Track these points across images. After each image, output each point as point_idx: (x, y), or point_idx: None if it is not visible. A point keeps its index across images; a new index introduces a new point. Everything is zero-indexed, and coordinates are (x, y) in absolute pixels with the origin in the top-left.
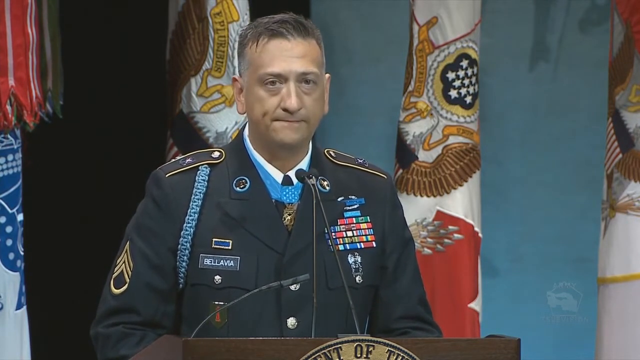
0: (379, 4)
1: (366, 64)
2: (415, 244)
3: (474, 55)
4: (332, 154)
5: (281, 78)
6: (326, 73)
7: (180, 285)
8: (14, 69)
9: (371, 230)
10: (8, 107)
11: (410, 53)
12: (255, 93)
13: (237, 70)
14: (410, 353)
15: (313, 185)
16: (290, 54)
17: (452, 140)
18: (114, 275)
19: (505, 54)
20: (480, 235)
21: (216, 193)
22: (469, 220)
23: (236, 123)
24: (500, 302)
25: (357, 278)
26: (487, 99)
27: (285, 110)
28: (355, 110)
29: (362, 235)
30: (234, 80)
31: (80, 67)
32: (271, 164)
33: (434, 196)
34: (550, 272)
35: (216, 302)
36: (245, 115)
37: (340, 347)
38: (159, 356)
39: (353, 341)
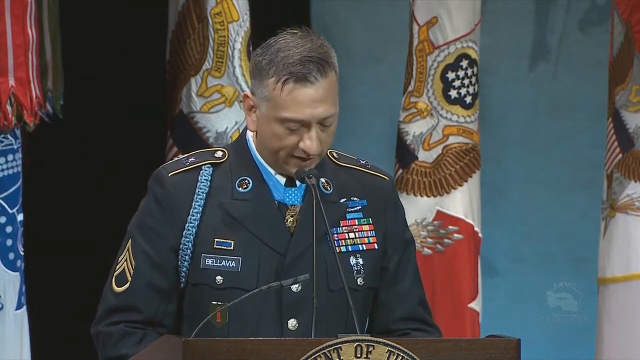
0: (379, 4)
1: (366, 64)
2: (415, 244)
3: (474, 55)
4: (335, 155)
5: (303, 123)
6: None
7: (182, 285)
8: (14, 69)
9: (373, 232)
10: (8, 107)
11: (410, 53)
12: (273, 128)
13: (238, 69)
14: (410, 353)
15: (313, 185)
16: (313, 100)
17: (452, 140)
18: (115, 274)
19: (505, 54)
20: (480, 235)
21: (219, 193)
22: (469, 220)
23: (236, 123)
24: (500, 302)
25: (359, 280)
26: (487, 99)
27: (304, 151)
28: (355, 110)
29: (364, 237)
30: (246, 96)
31: (80, 67)
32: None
33: (434, 196)
34: (550, 272)
35: (217, 302)
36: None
37: (340, 347)
38: (159, 356)
39: (353, 341)
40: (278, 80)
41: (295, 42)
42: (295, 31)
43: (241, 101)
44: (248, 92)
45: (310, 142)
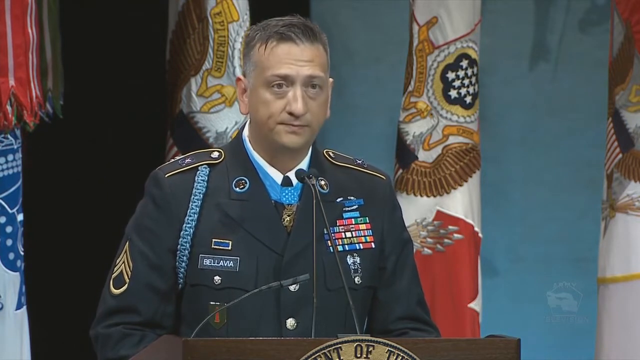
0: (379, 4)
1: (366, 64)
2: (415, 244)
3: (474, 55)
4: (331, 155)
5: (288, 81)
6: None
7: (180, 286)
8: (14, 69)
9: (370, 231)
10: (8, 107)
11: (410, 53)
12: (260, 95)
13: (238, 69)
14: (410, 353)
15: (313, 185)
16: (298, 58)
17: (452, 140)
18: (113, 276)
19: (505, 54)
20: (480, 235)
21: (216, 193)
22: (469, 220)
23: (236, 123)
24: (500, 302)
25: (356, 279)
26: (487, 99)
27: (290, 113)
28: (355, 110)
29: (361, 236)
30: (238, 80)
31: (80, 67)
32: (271, 165)
33: (434, 196)
34: (550, 272)
35: (215, 303)
36: (245, 115)
37: (340, 347)
38: (159, 356)
39: (353, 341)
40: (263, 42)
41: (283, 18)
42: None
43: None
44: (240, 74)
45: (295, 103)
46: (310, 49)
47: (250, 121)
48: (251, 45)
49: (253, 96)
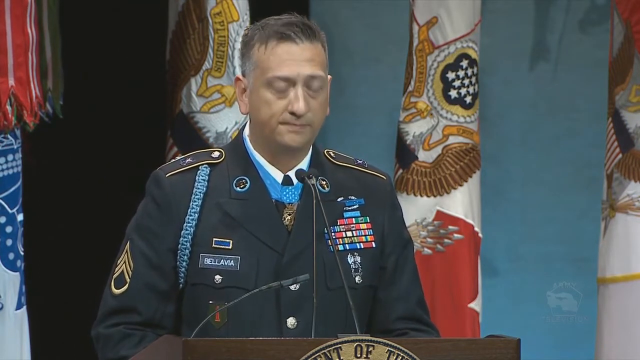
0: (379, 4)
1: (366, 64)
2: (415, 244)
3: (474, 55)
4: (332, 155)
5: (289, 81)
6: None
7: (181, 285)
8: (14, 69)
9: (371, 230)
10: (8, 107)
11: (410, 53)
12: (261, 95)
13: (238, 69)
14: (410, 353)
15: (313, 185)
16: (298, 58)
17: (452, 140)
18: (114, 276)
19: (505, 54)
20: (480, 235)
21: (216, 193)
22: (469, 220)
23: (236, 123)
24: (500, 302)
25: (357, 278)
26: (487, 99)
27: (292, 113)
28: (355, 110)
29: (362, 235)
30: (237, 79)
31: (80, 67)
32: (271, 164)
33: (434, 196)
34: (550, 272)
35: (216, 302)
36: (245, 115)
37: (340, 347)
38: (159, 356)
39: (353, 341)
40: (263, 42)
41: (281, 17)
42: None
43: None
44: (239, 74)
45: (297, 103)
46: (309, 47)
47: (250, 121)
48: (250, 44)
49: (254, 96)
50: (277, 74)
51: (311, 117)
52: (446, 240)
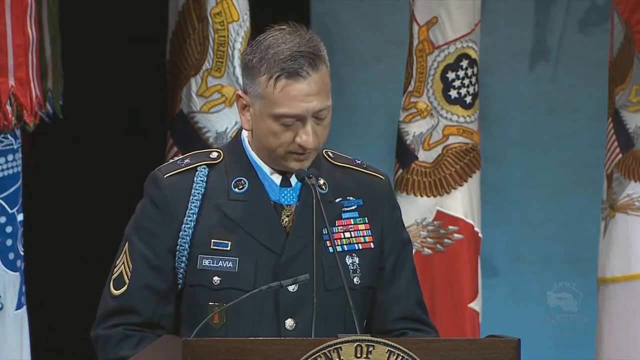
0: (379, 4)
1: (366, 64)
2: (415, 244)
3: (474, 55)
4: (330, 155)
5: (298, 117)
6: None
7: (179, 286)
8: (14, 69)
9: (369, 231)
10: (8, 107)
11: (410, 53)
12: (268, 125)
13: (238, 69)
14: (410, 353)
15: (313, 185)
16: (307, 94)
17: (452, 140)
18: (113, 277)
19: (505, 54)
20: (480, 235)
21: (214, 194)
22: (469, 220)
23: (236, 123)
24: (500, 302)
25: (355, 279)
26: (487, 99)
27: (300, 146)
28: (355, 110)
29: (360, 236)
30: (238, 96)
31: (80, 67)
32: (270, 166)
33: (434, 196)
34: (550, 272)
35: (214, 303)
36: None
37: (340, 347)
38: (159, 356)
39: (353, 341)
40: (270, 77)
41: (284, 38)
42: (283, 27)
43: None
44: (240, 91)
45: (306, 137)
46: (316, 79)
47: (252, 134)
48: (255, 72)
49: (259, 122)
50: (286, 112)
51: (317, 144)
52: (446, 240)
